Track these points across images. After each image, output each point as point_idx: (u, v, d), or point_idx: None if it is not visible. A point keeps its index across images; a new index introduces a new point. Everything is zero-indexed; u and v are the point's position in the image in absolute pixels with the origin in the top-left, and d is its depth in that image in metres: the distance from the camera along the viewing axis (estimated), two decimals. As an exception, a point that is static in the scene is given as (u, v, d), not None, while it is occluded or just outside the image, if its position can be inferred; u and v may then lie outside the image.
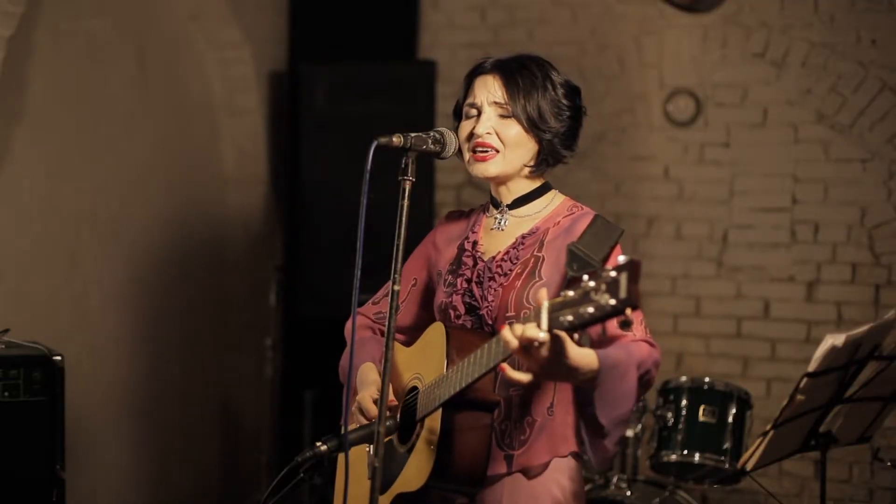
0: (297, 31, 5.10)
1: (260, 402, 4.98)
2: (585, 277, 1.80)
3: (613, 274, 1.75)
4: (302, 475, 2.16)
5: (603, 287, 1.76)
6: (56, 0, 4.00)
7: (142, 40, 4.47)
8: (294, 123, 4.84)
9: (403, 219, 2.13)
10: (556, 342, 1.91)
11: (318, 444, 2.16)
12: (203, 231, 4.89)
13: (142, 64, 4.46)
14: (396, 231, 2.13)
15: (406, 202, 2.13)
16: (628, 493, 3.67)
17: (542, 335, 1.86)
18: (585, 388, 2.09)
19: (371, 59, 4.90)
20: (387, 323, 2.10)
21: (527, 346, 1.90)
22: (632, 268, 1.74)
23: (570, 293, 1.81)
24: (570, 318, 1.81)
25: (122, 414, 4.42)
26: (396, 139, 2.14)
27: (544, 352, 1.91)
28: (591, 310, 1.77)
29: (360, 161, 2.09)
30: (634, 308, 1.74)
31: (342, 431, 2.49)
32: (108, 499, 4.33)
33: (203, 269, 4.88)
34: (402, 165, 2.15)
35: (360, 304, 2.31)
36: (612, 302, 1.74)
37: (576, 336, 1.85)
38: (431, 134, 2.21)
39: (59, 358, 2.94)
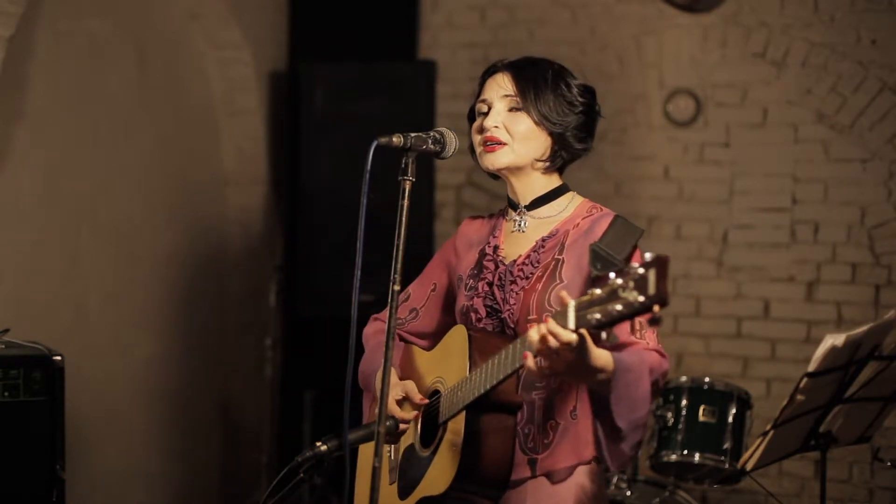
0: (297, 31, 5.10)
1: (260, 402, 4.98)
2: (612, 275, 1.80)
3: (641, 270, 1.75)
4: (302, 475, 2.16)
5: (631, 284, 1.75)
6: (56, 0, 3.99)
7: (142, 40, 4.46)
8: (294, 123, 4.84)
9: (403, 219, 2.13)
10: (580, 341, 1.92)
11: (318, 444, 2.17)
12: (203, 231, 4.89)
13: (142, 64, 4.46)
14: (396, 231, 2.13)
15: (406, 202, 2.13)
16: (628, 493, 3.67)
17: (569, 334, 1.87)
18: (600, 390, 2.09)
19: (371, 59, 4.90)
20: (387, 322, 2.10)
21: (551, 345, 1.90)
22: (659, 264, 1.73)
23: (597, 291, 1.81)
24: (598, 315, 1.80)
25: (121, 414, 4.41)
26: (396, 139, 2.14)
27: (569, 351, 1.91)
28: (619, 307, 1.77)
29: (360, 161, 2.08)
30: (664, 304, 1.73)
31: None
32: (108, 499, 4.33)
33: (203, 269, 4.88)
34: (402, 165, 2.15)
35: (360, 304, 2.31)
36: (641, 298, 1.74)
37: (603, 335, 1.85)
38: (431, 134, 2.21)
39: (59, 358, 2.94)
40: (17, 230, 3.86)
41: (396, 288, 2.10)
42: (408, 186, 2.14)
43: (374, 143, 2.11)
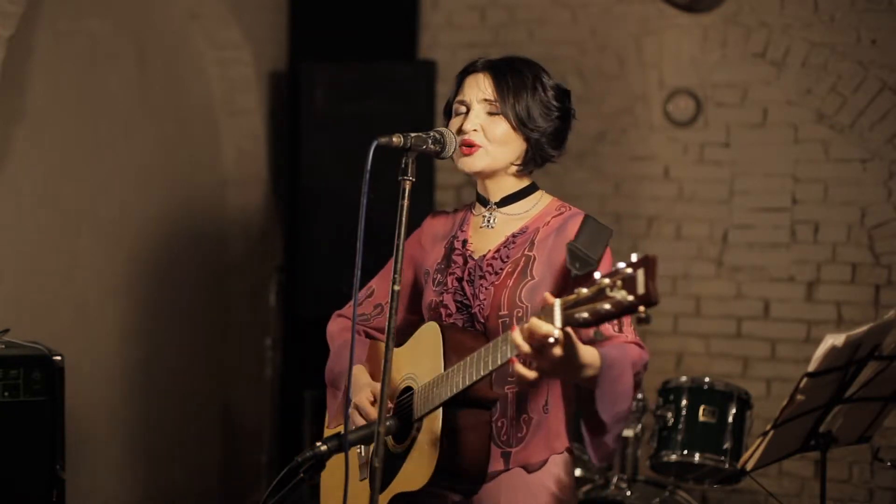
0: (297, 31, 5.09)
1: (260, 402, 4.98)
2: (597, 275, 1.81)
3: (629, 270, 1.76)
4: (302, 475, 2.16)
5: (619, 283, 1.77)
6: (56, 0, 3.99)
7: (142, 40, 4.47)
8: (294, 123, 4.84)
9: (403, 219, 2.13)
10: (567, 340, 1.93)
11: (318, 444, 2.17)
12: (203, 231, 4.89)
13: (142, 64, 4.46)
14: (396, 231, 2.13)
15: (406, 202, 2.14)
16: (628, 493, 3.67)
17: (557, 332, 1.87)
18: (586, 385, 2.10)
19: (371, 59, 4.90)
20: (387, 323, 2.10)
21: (540, 344, 1.90)
22: (648, 264, 1.75)
23: (584, 290, 1.82)
24: (585, 314, 1.81)
25: (121, 414, 4.42)
26: (396, 139, 2.15)
27: (558, 350, 1.92)
28: (607, 306, 1.78)
29: (360, 161, 2.09)
30: (653, 304, 1.75)
31: (327, 433, 2.50)
32: (108, 499, 4.33)
33: (203, 269, 4.89)
34: (402, 165, 2.16)
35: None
36: (630, 298, 1.75)
37: (591, 333, 1.84)
38: (431, 134, 2.22)
39: (59, 358, 2.94)
40: (17, 230, 3.86)
41: (397, 288, 2.11)
42: (408, 186, 2.15)
43: (374, 143, 2.12)
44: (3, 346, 2.93)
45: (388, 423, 2.14)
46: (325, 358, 2.54)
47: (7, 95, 3.76)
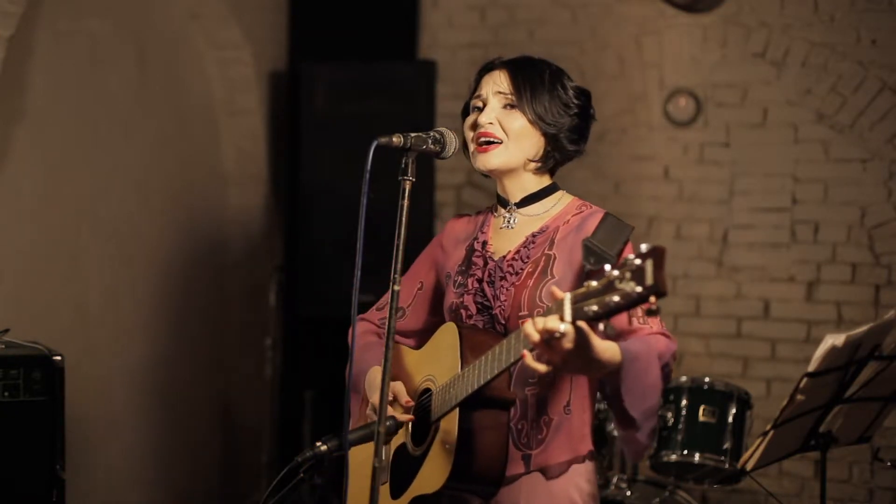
0: (297, 31, 5.10)
1: (260, 402, 4.98)
2: (608, 267, 1.78)
3: (638, 261, 1.73)
4: (302, 475, 2.16)
5: (628, 275, 1.74)
6: (56, 0, 3.99)
7: (142, 40, 4.47)
8: (294, 123, 4.84)
9: (403, 219, 2.12)
10: (579, 334, 1.89)
11: (318, 444, 2.16)
12: (203, 231, 4.89)
13: (142, 64, 4.46)
14: (396, 231, 2.12)
15: (406, 202, 2.13)
16: (628, 493, 3.67)
17: (564, 326, 1.85)
18: (610, 381, 2.07)
19: (371, 59, 4.90)
20: (387, 322, 2.09)
21: (549, 338, 1.88)
22: (656, 254, 1.72)
23: (594, 283, 1.80)
24: (594, 307, 1.79)
25: (122, 414, 4.42)
26: (396, 139, 2.14)
27: (567, 343, 1.89)
28: (616, 298, 1.75)
29: (360, 161, 2.08)
30: (662, 295, 1.72)
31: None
32: (108, 499, 4.33)
33: (203, 269, 4.88)
34: (402, 165, 2.14)
35: (360, 304, 2.31)
36: (639, 289, 1.72)
37: (601, 326, 1.84)
38: (431, 134, 2.20)
39: (59, 358, 2.94)
40: (17, 230, 3.86)
41: (397, 288, 2.10)
42: (408, 186, 2.14)
43: (374, 143, 2.11)
44: (3, 346, 2.93)
45: (388, 423, 2.13)
46: (325, 358, 2.54)
47: (7, 95, 3.76)
